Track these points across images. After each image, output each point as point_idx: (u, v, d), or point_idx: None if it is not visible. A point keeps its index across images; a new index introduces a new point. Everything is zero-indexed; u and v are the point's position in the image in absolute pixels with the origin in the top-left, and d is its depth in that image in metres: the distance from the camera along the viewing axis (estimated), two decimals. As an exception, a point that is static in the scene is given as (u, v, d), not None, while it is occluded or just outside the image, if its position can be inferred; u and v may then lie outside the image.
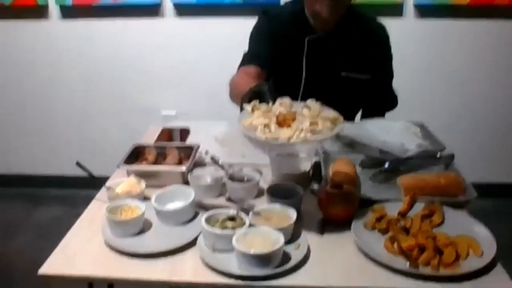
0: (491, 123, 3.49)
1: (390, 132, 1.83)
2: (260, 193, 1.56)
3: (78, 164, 1.58)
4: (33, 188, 3.74)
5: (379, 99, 2.20)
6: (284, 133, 1.33)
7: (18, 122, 3.69)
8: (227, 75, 1.96)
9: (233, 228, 1.28)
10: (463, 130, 3.45)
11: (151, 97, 3.48)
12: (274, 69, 2.01)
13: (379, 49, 2.14)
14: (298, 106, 1.49)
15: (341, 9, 1.97)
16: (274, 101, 1.50)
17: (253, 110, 1.46)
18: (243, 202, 1.51)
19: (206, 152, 1.81)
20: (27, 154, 3.75)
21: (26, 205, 3.57)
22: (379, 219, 1.37)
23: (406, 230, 1.33)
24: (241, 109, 1.51)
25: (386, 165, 1.70)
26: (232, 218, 1.32)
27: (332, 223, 1.40)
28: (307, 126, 1.34)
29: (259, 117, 1.40)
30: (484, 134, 3.52)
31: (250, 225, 1.29)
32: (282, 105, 1.47)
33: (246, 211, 1.35)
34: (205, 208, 1.47)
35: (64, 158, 3.67)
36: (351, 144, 1.87)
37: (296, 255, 1.25)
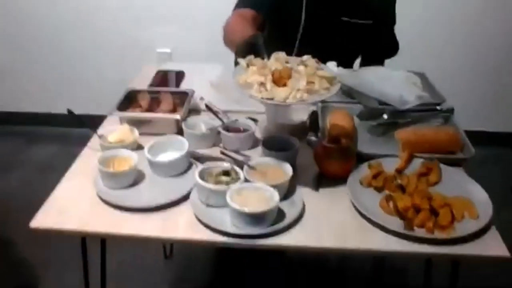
0: (495, 72, 3.43)
1: (390, 81, 1.78)
2: (255, 144, 1.53)
3: (69, 111, 1.54)
4: (27, 126, 3.69)
5: (380, 45, 2.14)
6: (280, 93, 1.29)
7: (12, 60, 3.58)
8: (224, 12, 1.89)
9: (227, 183, 1.26)
10: (467, 80, 3.38)
11: (146, 34, 3.36)
12: (272, 13, 1.93)
13: None
14: (293, 61, 1.44)
15: None
16: (269, 55, 1.44)
17: (248, 65, 1.40)
18: (238, 153, 1.49)
19: (201, 98, 1.77)
20: (20, 92, 3.67)
21: (21, 142, 3.53)
22: (375, 176, 1.35)
23: (402, 189, 1.32)
24: (236, 62, 1.46)
25: (385, 117, 1.67)
26: (226, 172, 1.30)
27: (328, 178, 1.39)
28: (304, 86, 1.30)
29: (254, 73, 1.35)
30: (488, 84, 3.46)
31: (245, 180, 1.27)
32: (277, 60, 1.42)
33: (241, 165, 1.32)
34: (199, 159, 1.45)
35: (57, 96, 3.60)
36: (349, 93, 1.83)
37: (290, 212, 1.24)
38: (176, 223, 1.23)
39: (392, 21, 2.13)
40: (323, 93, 1.32)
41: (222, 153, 1.38)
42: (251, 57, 1.43)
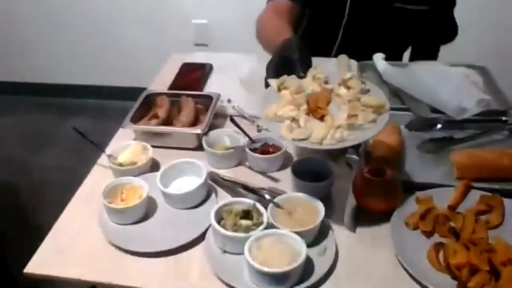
0: None
1: (445, 82, 1.53)
2: (286, 163, 1.34)
3: (75, 129, 1.37)
4: (61, 98, 3.60)
5: (435, 32, 1.87)
6: (316, 132, 1.07)
7: (45, 31, 3.45)
8: None
9: (247, 228, 1.08)
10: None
11: (182, 3, 3.14)
12: (311, 1, 1.69)
13: None
14: (324, 64, 1.22)
15: None
16: (306, 71, 1.22)
17: (279, 88, 1.19)
18: (265, 175, 1.31)
19: (229, 101, 1.58)
20: (54, 64, 3.55)
21: (54, 115, 3.45)
22: (424, 216, 1.14)
23: (456, 234, 1.11)
24: (266, 84, 1.24)
25: (438, 127, 1.44)
26: (247, 213, 1.12)
27: (368, 214, 1.19)
28: (344, 121, 1.08)
29: (286, 104, 1.13)
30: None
31: (268, 223, 1.09)
32: (315, 81, 1.19)
33: (265, 202, 1.13)
34: (219, 183, 1.28)
35: (93, 67, 3.47)
36: (397, 93, 1.59)
37: (320, 263, 1.05)
38: (188, 269, 1.07)
39: (452, 2, 1.85)
40: (368, 127, 1.09)
41: (244, 187, 1.19)
42: (284, 77, 1.21)
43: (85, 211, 1.22)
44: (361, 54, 1.72)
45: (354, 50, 1.74)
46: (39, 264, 1.09)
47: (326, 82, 1.20)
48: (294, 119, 1.10)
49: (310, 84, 1.18)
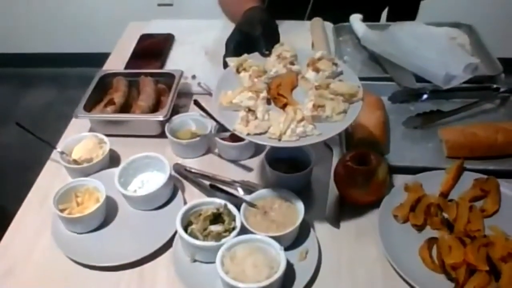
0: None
1: (430, 46, 1.39)
2: (259, 150, 1.21)
3: (18, 124, 1.22)
4: (19, 68, 3.38)
5: None
6: (275, 126, 0.92)
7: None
8: None
9: (218, 235, 0.95)
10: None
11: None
12: None
13: None
14: (303, 56, 1.05)
15: None
16: (270, 48, 1.07)
17: (238, 69, 1.04)
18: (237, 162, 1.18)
19: (194, 77, 1.43)
20: (10, 32, 3.32)
21: (15, 87, 3.24)
22: (413, 207, 1.03)
23: (449, 225, 1.00)
24: (225, 64, 1.09)
25: (424, 97, 1.32)
26: (217, 216, 0.99)
27: (352, 205, 1.07)
28: (309, 112, 0.93)
29: (243, 90, 0.97)
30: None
31: (241, 227, 0.97)
32: (280, 61, 1.04)
33: (236, 202, 1.01)
34: (186, 177, 1.15)
35: (52, 34, 3.26)
36: (378, 60, 1.46)
37: (301, 270, 0.94)
38: (154, 280, 0.96)
39: None
40: (337, 119, 0.94)
41: (212, 186, 1.06)
42: (244, 57, 1.06)
43: (36, 220, 1.08)
44: (337, 16, 1.57)
45: (329, 11, 1.59)
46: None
47: (293, 63, 1.04)
48: (250, 110, 0.95)
49: (274, 64, 1.03)
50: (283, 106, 0.96)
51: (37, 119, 2.87)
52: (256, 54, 1.07)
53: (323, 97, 0.94)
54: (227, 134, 1.16)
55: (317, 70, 1.00)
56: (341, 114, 0.94)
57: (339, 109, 0.93)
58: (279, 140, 0.91)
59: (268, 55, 1.06)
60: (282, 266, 0.88)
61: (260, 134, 0.92)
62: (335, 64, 1.03)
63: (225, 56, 1.09)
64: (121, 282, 0.96)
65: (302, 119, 0.92)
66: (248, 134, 0.92)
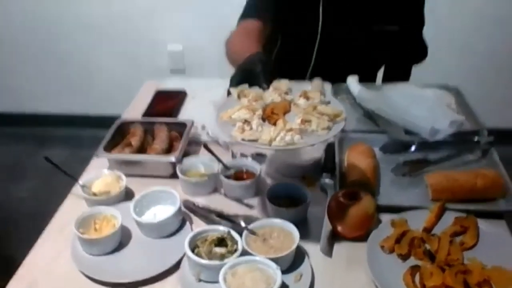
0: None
1: (419, 105, 1.53)
2: (260, 189, 1.33)
3: (47, 159, 1.35)
4: (33, 128, 3.55)
5: (407, 52, 1.89)
6: (266, 133, 1.06)
7: (14, 60, 3.42)
8: (239, 8, 1.72)
9: (222, 256, 1.06)
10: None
11: (157, 30, 3.16)
12: (282, 22, 1.70)
13: None
14: (297, 90, 1.21)
15: None
16: (268, 84, 1.22)
17: (239, 96, 1.19)
18: (240, 202, 1.30)
19: (203, 127, 1.57)
20: (26, 93, 3.53)
21: (27, 146, 3.40)
22: (399, 239, 1.14)
23: (431, 256, 1.11)
24: (228, 94, 1.24)
25: (412, 149, 1.45)
26: (222, 240, 1.10)
27: (343, 238, 1.18)
28: (297, 125, 1.07)
29: (241, 108, 1.12)
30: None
31: (243, 250, 1.07)
32: (276, 91, 1.19)
33: (240, 230, 1.12)
34: (194, 211, 1.26)
35: (68, 96, 3.46)
36: (371, 116, 1.61)
37: (296, 290, 1.04)
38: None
39: (421, 23, 1.88)
40: (321, 134, 1.07)
41: (219, 215, 1.18)
42: (245, 87, 1.21)
43: (58, 242, 1.20)
44: (336, 76, 1.73)
45: (329, 72, 1.75)
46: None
47: (287, 93, 1.19)
48: (246, 121, 1.08)
49: (270, 94, 1.18)
50: (275, 123, 1.09)
51: (50, 175, 3.01)
52: (256, 88, 1.22)
53: (309, 115, 1.08)
54: (232, 171, 1.29)
55: (307, 98, 1.15)
56: (325, 129, 1.07)
57: (324, 125, 1.07)
58: (270, 145, 1.04)
59: (267, 88, 1.20)
60: (278, 282, 0.98)
61: (253, 141, 1.06)
62: (323, 95, 1.17)
63: (229, 87, 1.24)
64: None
65: (290, 130, 1.05)
66: (242, 139, 1.06)
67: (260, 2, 1.71)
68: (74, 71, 3.40)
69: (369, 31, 1.76)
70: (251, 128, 1.08)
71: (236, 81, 1.24)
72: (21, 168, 3.17)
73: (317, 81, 1.74)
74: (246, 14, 1.69)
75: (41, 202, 2.26)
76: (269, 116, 1.11)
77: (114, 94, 3.17)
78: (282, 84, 1.22)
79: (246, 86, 1.21)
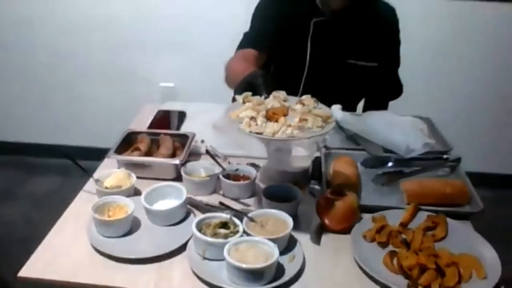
0: (493, 114, 3.41)
1: (396, 127, 1.74)
2: (256, 192, 1.50)
3: (68, 157, 1.50)
4: (28, 157, 3.66)
5: (384, 87, 2.12)
6: (269, 128, 1.25)
7: (13, 90, 3.58)
8: (228, 49, 1.89)
9: (226, 236, 1.21)
10: (472, 126, 3.37)
11: (150, 68, 3.36)
12: (276, 52, 1.91)
13: (388, 34, 2.05)
14: (293, 100, 1.41)
15: None
16: (268, 94, 1.40)
17: (244, 102, 1.37)
18: (238, 201, 1.45)
19: (202, 141, 1.74)
20: (22, 122, 3.67)
21: (21, 174, 3.50)
22: (379, 231, 1.30)
23: (407, 244, 1.27)
24: (234, 99, 1.42)
25: (390, 165, 1.63)
26: (224, 224, 1.25)
27: (330, 231, 1.34)
28: (296, 122, 1.26)
29: (247, 109, 1.32)
30: (495, 130, 3.44)
31: (244, 232, 1.22)
32: (275, 99, 1.38)
33: (240, 217, 1.28)
34: (197, 207, 1.41)
35: (61, 127, 3.59)
36: (353, 138, 1.79)
37: (290, 268, 1.18)
38: (170, 274, 1.18)
39: (397, 63, 2.12)
40: (316, 130, 1.27)
41: (221, 203, 1.34)
42: (249, 93, 1.40)
43: (72, 228, 1.33)
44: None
45: None
46: (31, 270, 1.18)
47: (285, 101, 1.40)
48: (253, 118, 1.28)
49: (271, 101, 1.37)
50: (276, 122, 1.28)
51: (40, 202, 3.11)
52: (258, 97, 1.40)
53: (306, 115, 1.29)
54: (230, 175, 1.46)
55: (303, 104, 1.35)
56: (319, 127, 1.28)
57: (318, 124, 1.28)
58: (273, 136, 1.23)
59: (267, 97, 1.39)
60: (276, 256, 1.13)
61: (259, 133, 1.24)
62: (316, 102, 1.39)
63: (234, 95, 1.42)
64: (144, 274, 1.18)
65: (290, 125, 1.25)
66: (250, 132, 1.24)
67: (256, 35, 1.92)
68: (68, 102, 3.56)
69: (351, 66, 1.98)
70: (256, 124, 1.26)
71: (240, 91, 1.42)
72: (11, 193, 3.25)
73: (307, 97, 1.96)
74: (243, 44, 1.90)
75: (30, 226, 2.35)
76: (271, 116, 1.29)
77: (106, 126, 3.31)
78: (281, 93, 1.40)
79: (249, 94, 1.39)
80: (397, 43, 2.09)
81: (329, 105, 1.91)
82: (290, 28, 1.95)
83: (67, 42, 3.38)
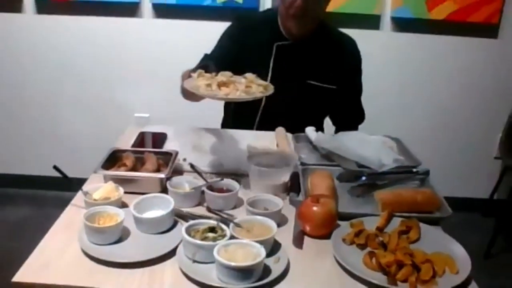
0: (463, 140, 3.59)
1: (367, 145, 1.85)
2: (239, 204, 1.56)
3: (55, 167, 1.55)
4: (2, 188, 3.65)
5: (348, 112, 2.24)
6: (223, 91, 1.52)
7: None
8: None
9: (214, 239, 1.27)
10: (437, 146, 3.54)
11: (125, 98, 3.44)
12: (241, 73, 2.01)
13: (347, 62, 2.21)
14: (237, 77, 1.63)
15: (311, 25, 2.06)
16: (218, 71, 1.62)
17: (198, 77, 1.60)
18: (222, 212, 1.51)
19: (184, 159, 1.80)
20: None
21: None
22: (357, 234, 1.39)
23: (384, 246, 1.35)
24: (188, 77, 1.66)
25: (363, 179, 1.72)
26: (212, 229, 1.32)
27: (311, 237, 1.41)
28: (243, 87, 1.54)
29: (202, 80, 1.57)
30: (451, 150, 3.61)
31: (231, 236, 1.29)
32: (223, 75, 1.59)
33: (226, 223, 1.34)
34: (184, 217, 1.47)
35: (36, 158, 3.61)
36: (328, 156, 1.89)
37: (276, 268, 1.25)
38: (161, 278, 1.23)
39: (358, 91, 2.26)
40: (258, 94, 1.56)
41: (208, 209, 1.40)
42: (202, 70, 1.63)
43: (64, 238, 1.36)
44: (279, 124, 2.10)
45: (273, 123, 2.11)
46: (25, 274, 1.22)
47: (231, 77, 1.61)
48: (208, 85, 1.54)
49: (220, 77, 1.58)
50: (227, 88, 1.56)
51: (13, 231, 3.09)
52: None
53: (251, 82, 1.59)
54: (214, 188, 1.54)
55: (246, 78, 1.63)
56: (261, 92, 1.58)
57: (260, 89, 1.58)
58: (226, 96, 1.52)
59: (216, 74, 1.61)
60: (263, 255, 1.20)
61: (215, 95, 1.52)
62: (257, 78, 1.65)
63: (190, 72, 1.70)
64: (135, 276, 1.23)
65: (238, 89, 1.53)
66: (207, 93, 1.51)
67: (217, 54, 2.09)
68: (42, 132, 3.60)
69: (310, 87, 2.16)
70: (212, 89, 1.53)
71: (195, 69, 1.66)
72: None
73: (280, 130, 2.05)
74: (202, 62, 1.99)
75: (7, 255, 2.34)
76: (222, 85, 1.55)
77: (80, 157, 3.35)
78: (226, 73, 1.61)
79: (203, 71, 1.64)
80: (358, 72, 2.23)
81: (287, 128, 2.05)
82: (255, 51, 2.11)
83: (37, 71, 3.44)
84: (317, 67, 2.14)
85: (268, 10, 2.65)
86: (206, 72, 1.64)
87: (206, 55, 2.08)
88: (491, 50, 3.36)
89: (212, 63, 1.73)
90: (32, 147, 3.63)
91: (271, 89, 1.62)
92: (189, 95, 1.70)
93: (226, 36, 2.19)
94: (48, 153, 3.56)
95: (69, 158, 3.49)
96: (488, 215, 3.59)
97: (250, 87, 1.57)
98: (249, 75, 1.63)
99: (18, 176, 3.66)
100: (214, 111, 2.35)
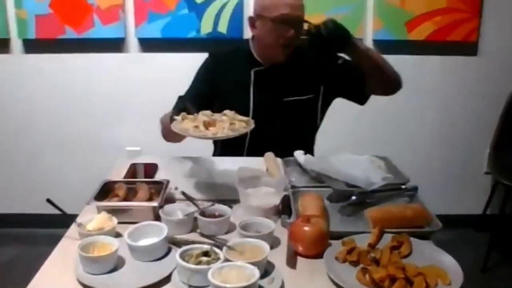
0: (448, 158, 3.64)
1: (356, 165, 1.88)
2: (231, 228, 1.58)
3: (48, 201, 1.56)
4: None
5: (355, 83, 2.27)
6: (211, 130, 1.64)
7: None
8: None
9: (208, 263, 1.29)
10: (427, 164, 3.59)
11: (116, 133, 3.47)
12: (222, 105, 2.02)
13: (325, 63, 2.27)
14: (217, 115, 1.74)
15: (292, 51, 2.16)
16: (197, 111, 1.74)
17: (182, 119, 1.71)
18: (215, 237, 1.52)
19: (176, 188, 1.82)
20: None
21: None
22: (349, 252, 1.40)
23: (376, 262, 1.37)
24: (171, 120, 1.74)
25: (353, 198, 1.74)
26: (206, 253, 1.33)
27: (304, 257, 1.43)
28: (228, 125, 1.66)
29: (188, 123, 1.68)
30: (441, 168, 3.66)
31: (225, 259, 1.31)
32: (204, 114, 1.71)
33: (219, 247, 1.36)
34: (178, 244, 1.48)
35: (27, 196, 3.60)
36: (318, 178, 1.91)
37: (271, 289, 1.27)
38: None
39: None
40: (243, 129, 1.69)
41: (202, 235, 1.42)
42: (184, 113, 1.74)
43: (59, 269, 1.37)
44: (268, 148, 2.14)
45: (261, 149, 2.14)
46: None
47: (212, 115, 1.73)
48: (196, 126, 1.65)
49: (202, 117, 1.70)
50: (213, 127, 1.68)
51: (4, 270, 3.07)
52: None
53: (234, 120, 1.71)
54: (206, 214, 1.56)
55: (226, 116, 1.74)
56: (243, 128, 1.70)
57: (243, 125, 1.70)
58: (215, 135, 1.65)
59: (197, 115, 1.72)
60: (257, 276, 1.21)
61: (203, 135, 1.64)
62: (235, 114, 1.77)
63: (172, 116, 1.77)
64: (131, 304, 1.24)
65: (224, 128, 1.65)
66: (198, 136, 1.63)
67: (193, 93, 2.20)
68: (30, 169, 3.61)
69: (289, 103, 2.25)
70: (200, 131, 1.64)
71: (176, 113, 1.74)
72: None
73: (269, 155, 2.08)
74: (179, 107, 1.93)
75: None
76: (207, 125, 1.67)
77: (73, 193, 3.34)
78: (206, 112, 1.73)
79: (185, 113, 1.74)
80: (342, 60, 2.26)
81: (275, 151, 2.09)
82: (233, 81, 2.22)
83: (27, 110, 3.48)
84: (292, 83, 2.25)
85: (237, 40, 2.88)
86: (187, 114, 1.75)
87: (180, 97, 2.07)
88: (471, 66, 3.44)
89: (190, 104, 1.81)
90: (20, 185, 3.63)
91: (252, 124, 1.74)
92: (173, 136, 1.84)
93: (202, 72, 2.30)
94: (38, 191, 3.53)
95: (61, 195, 3.46)
96: (481, 230, 3.61)
97: (234, 124, 1.69)
98: (228, 112, 1.75)
99: (6, 215, 3.64)
100: (203, 145, 2.35)
